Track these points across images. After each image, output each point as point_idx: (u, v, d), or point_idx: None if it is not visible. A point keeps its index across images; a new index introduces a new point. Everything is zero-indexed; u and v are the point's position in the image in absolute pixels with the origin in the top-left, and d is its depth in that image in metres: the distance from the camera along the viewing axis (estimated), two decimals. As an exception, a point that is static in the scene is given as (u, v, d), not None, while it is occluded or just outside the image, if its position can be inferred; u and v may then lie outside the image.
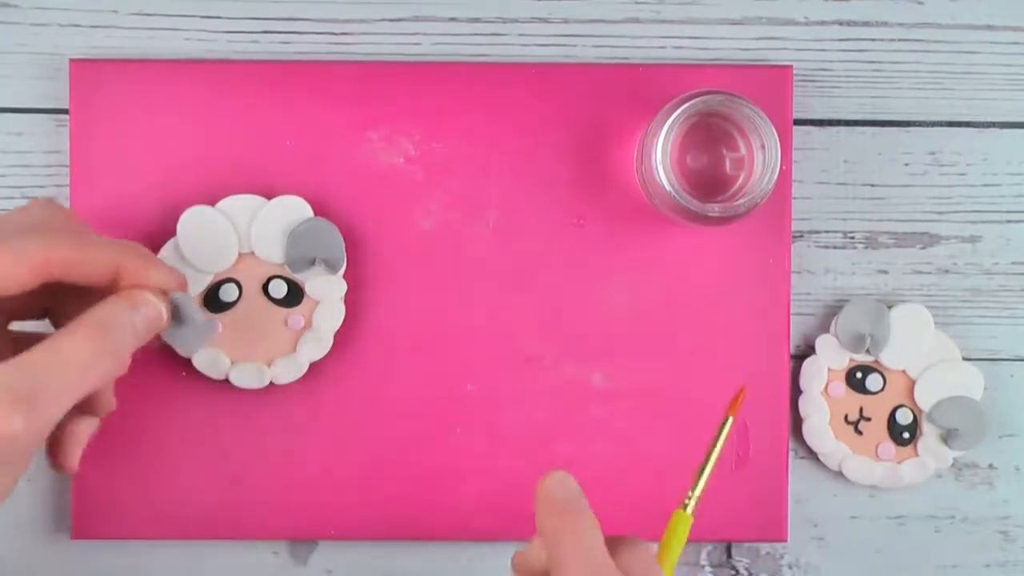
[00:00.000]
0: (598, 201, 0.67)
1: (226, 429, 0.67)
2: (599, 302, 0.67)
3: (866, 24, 0.69)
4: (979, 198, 0.69)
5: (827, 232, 0.69)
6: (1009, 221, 0.69)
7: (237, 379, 0.66)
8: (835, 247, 0.69)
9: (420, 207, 0.67)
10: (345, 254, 0.66)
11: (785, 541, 0.68)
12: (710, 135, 0.64)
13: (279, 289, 0.66)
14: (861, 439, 0.68)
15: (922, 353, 0.68)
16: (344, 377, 0.67)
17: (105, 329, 0.55)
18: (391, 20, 0.68)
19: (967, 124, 0.69)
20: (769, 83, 0.67)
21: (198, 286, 0.66)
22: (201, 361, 0.66)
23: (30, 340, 0.55)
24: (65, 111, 0.67)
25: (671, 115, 0.62)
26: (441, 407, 0.67)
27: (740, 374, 0.66)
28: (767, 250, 0.67)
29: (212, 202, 0.66)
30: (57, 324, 0.60)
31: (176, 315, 0.59)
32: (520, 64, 0.68)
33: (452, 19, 0.68)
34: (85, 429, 0.59)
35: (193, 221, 0.65)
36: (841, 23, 0.69)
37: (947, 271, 0.69)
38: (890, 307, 0.68)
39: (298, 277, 0.66)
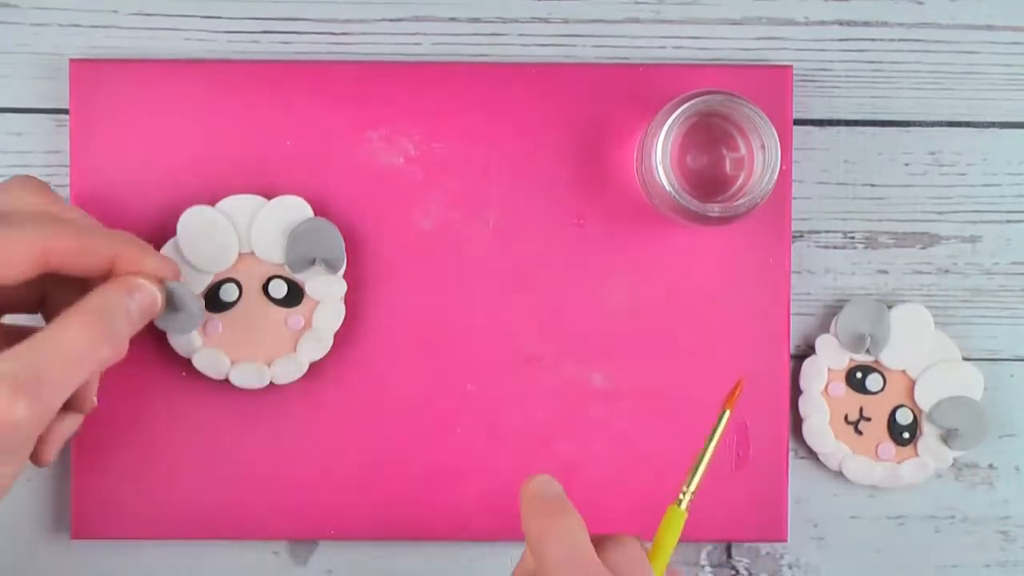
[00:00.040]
0: (598, 201, 0.67)
1: (226, 429, 0.67)
2: (599, 302, 0.67)
3: (866, 24, 0.69)
4: (979, 198, 0.69)
5: (827, 232, 0.69)
6: (1009, 221, 0.69)
7: (237, 379, 0.66)
8: (835, 247, 0.69)
9: (420, 207, 0.67)
10: (345, 254, 0.66)
11: (785, 541, 0.68)
12: (710, 135, 0.64)
13: (279, 289, 0.66)
14: (861, 439, 0.68)
15: (922, 353, 0.68)
16: (344, 377, 0.67)
17: (102, 316, 0.55)
18: (391, 20, 0.68)
19: (967, 124, 0.69)
20: (769, 83, 0.67)
21: (198, 286, 0.66)
22: (201, 361, 0.66)
23: (22, 334, 0.55)
24: (65, 111, 0.67)
25: (671, 115, 0.62)
26: (441, 407, 0.67)
27: (740, 374, 0.66)
28: (767, 250, 0.67)
29: (212, 202, 0.66)
30: (49, 318, 0.60)
31: (171, 302, 0.59)
32: (520, 64, 0.68)
33: (452, 19, 0.68)
34: (69, 426, 0.59)
35: (193, 221, 0.65)
36: (841, 23, 0.69)
37: (947, 271, 0.69)
38: (890, 307, 0.68)
39: (298, 277, 0.66)
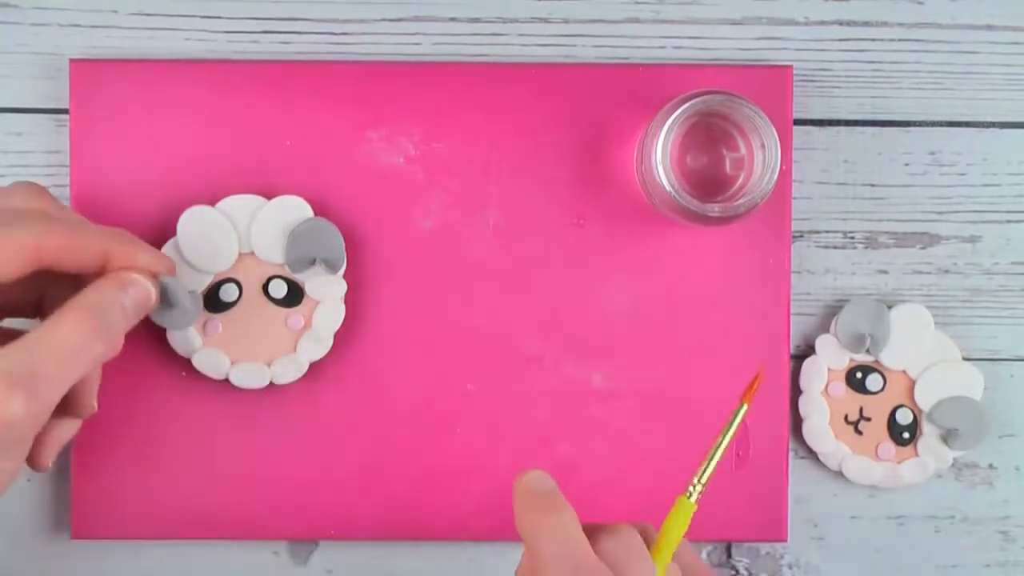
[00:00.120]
0: (598, 201, 0.67)
1: (226, 429, 0.67)
2: (599, 302, 0.67)
3: (866, 24, 0.69)
4: (979, 198, 0.69)
5: (827, 232, 0.69)
6: (1009, 221, 0.69)
7: (237, 379, 0.66)
8: (835, 247, 0.69)
9: (420, 207, 0.67)
10: (345, 254, 0.66)
11: (785, 541, 0.68)
12: (710, 135, 0.64)
13: (279, 289, 0.66)
14: (861, 439, 0.68)
15: (922, 353, 0.68)
16: (344, 377, 0.67)
17: (95, 311, 0.55)
18: (391, 20, 0.68)
19: (967, 124, 0.69)
20: (769, 83, 0.67)
21: (198, 286, 0.66)
22: (201, 361, 0.66)
23: (19, 337, 0.55)
24: (65, 111, 0.67)
25: (671, 115, 0.62)
26: (441, 407, 0.67)
27: (740, 374, 0.66)
28: (767, 250, 0.67)
29: (212, 202, 0.66)
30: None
31: (165, 297, 0.59)
32: (520, 64, 0.68)
33: (452, 19, 0.68)
34: (67, 431, 0.59)
35: (193, 221, 0.65)
36: (841, 23, 0.69)
37: (947, 271, 0.69)
38: (890, 307, 0.68)
39: (298, 277, 0.66)
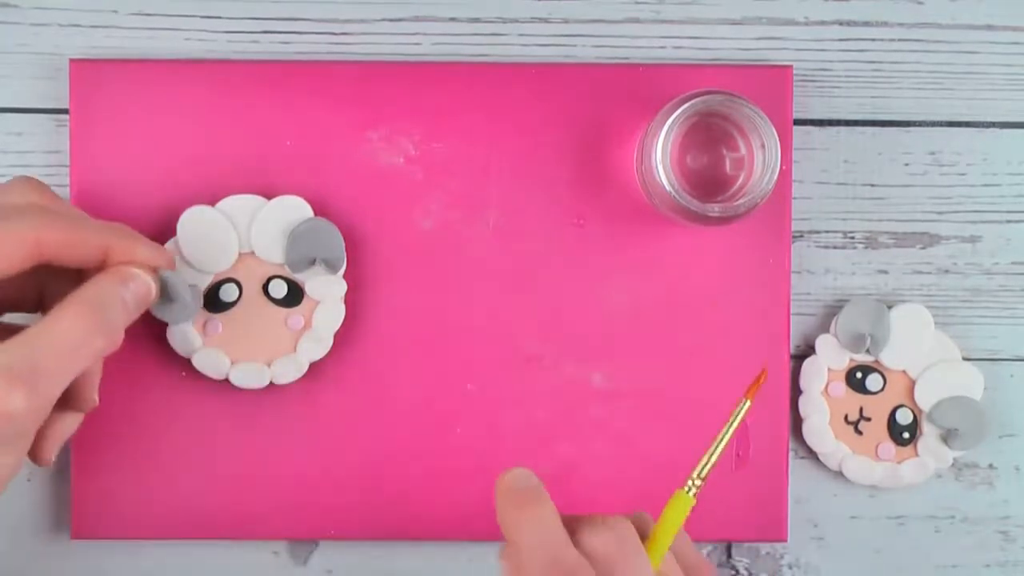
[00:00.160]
0: (598, 201, 0.67)
1: (226, 429, 0.67)
2: (599, 302, 0.67)
3: (866, 24, 0.69)
4: (979, 198, 0.69)
5: (827, 232, 0.69)
6: (1009, 221, 0.69)
7: (237, 379, 0.66)
8: (835, 247, 0.69)
9: (420, 207, 0.67)
10: (345, 254, 0.66)
11: (785, 541, 0.68)
12: (710, 135, 0.64)
13: (279, 289, 0.66)
14: (861, 439, 0.68)
15: (922, 353, 0.68)
16: (344, 377, 0.67)
17: (96, 306, 0.55)
18: (391, 20, 0.68)
19: (967, 124, 0.69)
20: (769, 83, 0.67)
21: (198, 286, 0.66)
22: (201, 361, 0.66)
23: (19, 332, 0.55)
24: (65, 111, 0.67)
25: (671, 115, 0.62)
26: (441, 407, 0.67)
27: (740, 374, 0.66)
28: (767, 250, 0.67)
29: (212, 202, 0.66)
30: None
31: (165, 292, 0.59)
32: (520, 64, 0.68)
33: (452, 19, 0.68)
34: (69, 425, 0.59)
35: (193, 221, 0.65)
36: (841, 23, 0.69)
37: (947, 271, 0.69)
38: (890, 307, 0.68)
39: (298, 277, 0.66)
